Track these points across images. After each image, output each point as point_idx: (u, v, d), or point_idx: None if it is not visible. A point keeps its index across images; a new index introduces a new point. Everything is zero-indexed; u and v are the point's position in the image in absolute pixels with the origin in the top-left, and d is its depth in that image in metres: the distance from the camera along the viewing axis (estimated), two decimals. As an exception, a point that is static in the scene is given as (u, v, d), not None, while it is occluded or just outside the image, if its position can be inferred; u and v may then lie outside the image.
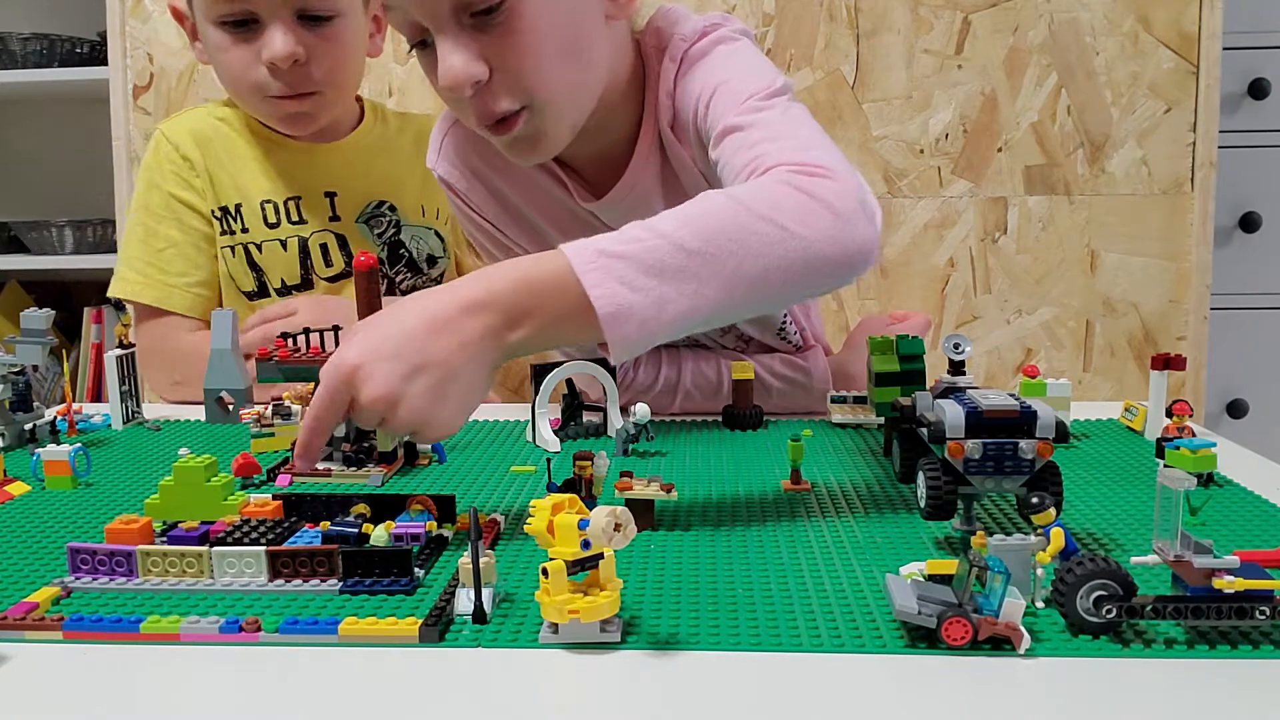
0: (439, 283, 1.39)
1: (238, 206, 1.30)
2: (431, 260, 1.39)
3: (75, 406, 1.11)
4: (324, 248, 1.33)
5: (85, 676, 0.55)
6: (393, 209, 1.36)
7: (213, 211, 1.31)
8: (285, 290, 1.32)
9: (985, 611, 0.56)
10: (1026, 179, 1.74)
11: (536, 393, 1.01)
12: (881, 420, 1.02)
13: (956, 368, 0.78)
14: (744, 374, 1.09)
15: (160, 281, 1.29)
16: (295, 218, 1.32)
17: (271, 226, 1.31)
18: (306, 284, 1.33)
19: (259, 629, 0.59)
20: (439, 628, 0.59)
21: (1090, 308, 1.76)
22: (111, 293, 1.30)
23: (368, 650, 0.58)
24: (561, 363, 1.02)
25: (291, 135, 1.32)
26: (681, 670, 0.54)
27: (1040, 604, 0.62)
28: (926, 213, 1.76)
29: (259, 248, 1.31)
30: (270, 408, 1.02)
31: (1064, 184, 1.74)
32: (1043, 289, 1.77)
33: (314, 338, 0.95)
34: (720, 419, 1.11)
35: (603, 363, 1.04)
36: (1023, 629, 0.56)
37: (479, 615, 0.60)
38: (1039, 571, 0.62)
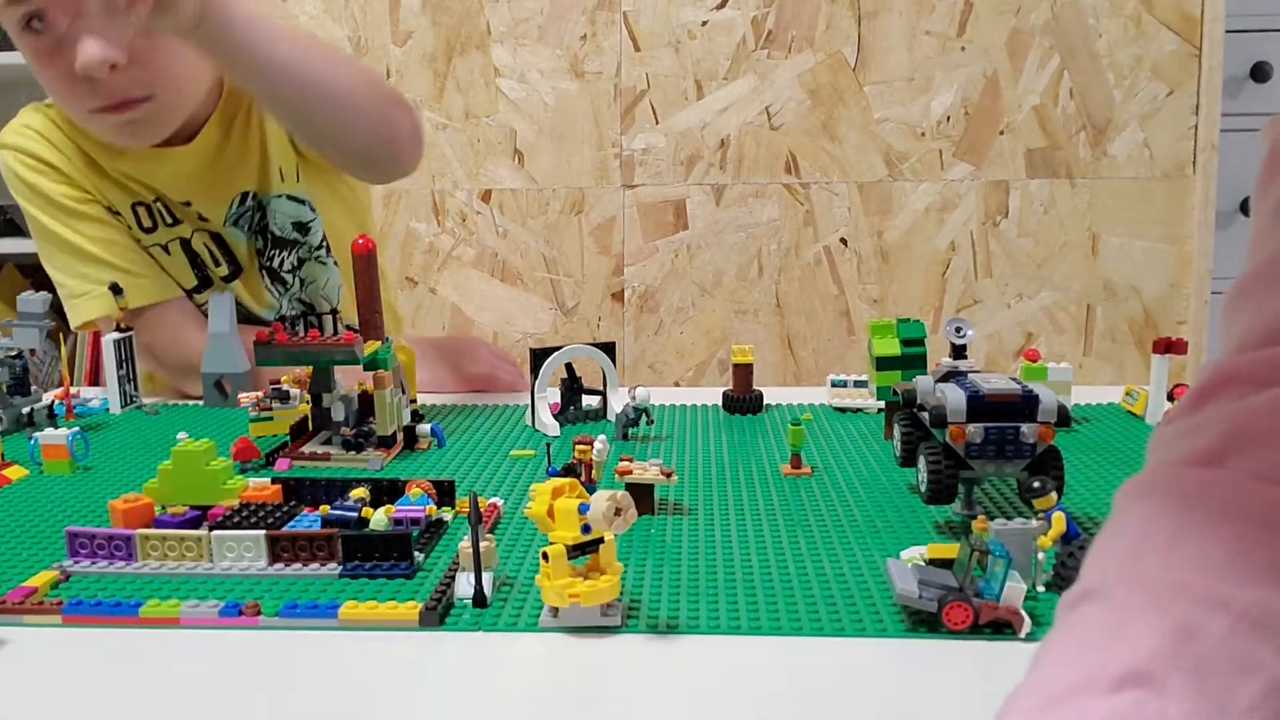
0: (322, 248, 1.27)
1: (112, 208, 1.18)
2: (303, 227, 1.25)
3: (73, 390, 1.10)
4: (208, 248, 1.22)
5: (85, 660, 0.55)
6: (255, 196, 1.22)
7: (105, 207, 1.18)
8: (188, 295, 1.22)
9: (986, 596, 0.56)
10: (1028, 162, 1.73)
11: (535, 377, 1.01)
12: (882, 404, 1.02)
13: (958, 351, 0.78)
14: (743, 358, 1.09)
15: (119, 279, 1.14)
16: (169, 220, 1.20)
17: (148, 231, 1.19)
18: (205, 283, 1.22)
19: (259, 613, 0.59)
20: (439, 611, 0.58)
21: (1091, 292, 1.76)
22: (74, 325, 1.19)
23: (368, 634, 0.57)
24: (561, 347, 1.01)
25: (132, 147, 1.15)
26: (682, 654, 0.54)
27: (1041, 588, 0.62)
28: (927, 196, 1.75)
29: (147, 251, 1.20)
30: (269, 391, 1.02)
31: (1066, 167, 1.73)
32: (1044, 273, 1.76)
33: (312, 320, 0.94)
34: (720, 403, 1.10)
35: (602, 347, 1.04)
36: (1024, 613, 0.56)
37: (479, 599, 0.60)
38: (1040, 555, 0.62)
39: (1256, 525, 0.38)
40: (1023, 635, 0.56)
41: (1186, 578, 0.38)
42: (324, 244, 1.27)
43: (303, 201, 1.26)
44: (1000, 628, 0.56)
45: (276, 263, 1.25)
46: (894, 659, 0.54)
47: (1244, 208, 2.05)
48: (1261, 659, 0.34)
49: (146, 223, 1.19)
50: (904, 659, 0.54)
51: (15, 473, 0.88)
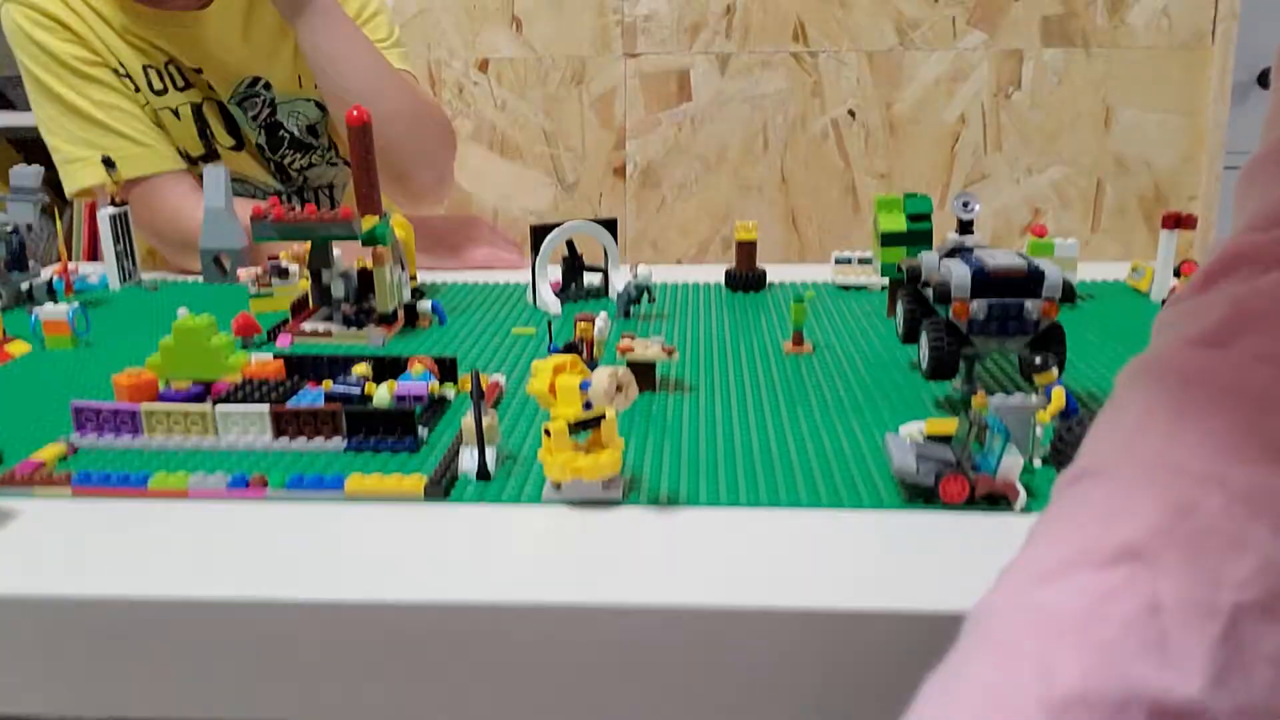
0: (332, 151, 1.28)
1: (123, 69, 1.16)
2: (312, 130, 1.27)
3: (71, 266, 1.09)
4: (219, 118, 1.21)
5: (95, 532, 0.56)
6: (267, 86, 1.23)
7: (113, 70, 1.16)
8: (192, 163, 1.21)
9: (983, 470, 0.57)
10: (1044, 30, 1.68)
11: (536, 254, 1.00)
12: (886, 282, 1.01)
13: (965, 227, 0.76)
14: (746, 235, 1.08)
15: (115, 149, 1.14)
16: (181, 83, 1.19)
17: (159, 93, 1.18)
18: (211, 154, 1.22)
19: (266, 486, 0.60)
20: (444, 485, 0.59)
21: (1102, 166, 1.73)
22: (69, 191, 1.18)
23: (374, 506, 0.58)
24: (561, 223, 1.00)
25: (147, 3, 1.16)
26: (682, 526, 0.55)
27: (1039, 462, 0.62)
28: (939, 66, 1.70)
29: (156, 114, 1.19)
30: (268, 267, 1.01)
31: (1082, 35, 1.67)
32: (1055, 147, 1.73)
33: (310, 196, 0.93)
34: (722, 281, 1.10)
35: (604, 223, 1.02)
36: (1020, 486, 0.57)
37: (483, 473, 0.61)
38: (1038, 430, 0.62)
39: (1257, 406, 0.38)
40: (1018, 508, 0.57)
41: (1185, 457, 0.38)
42: (333, 145, 1.26)
43: (318, 105, 1.26)
44: (996, 501, 0.57)
45: (287, 161, 1.24)
46: (890, 531, 0.55)
47: (1262, 79, 1.99)
48: (1255, 536, 0.35)
49: (158, 85, 1.17)
50: (899, 530, 0.55)
51: (18, 348, 0.88)
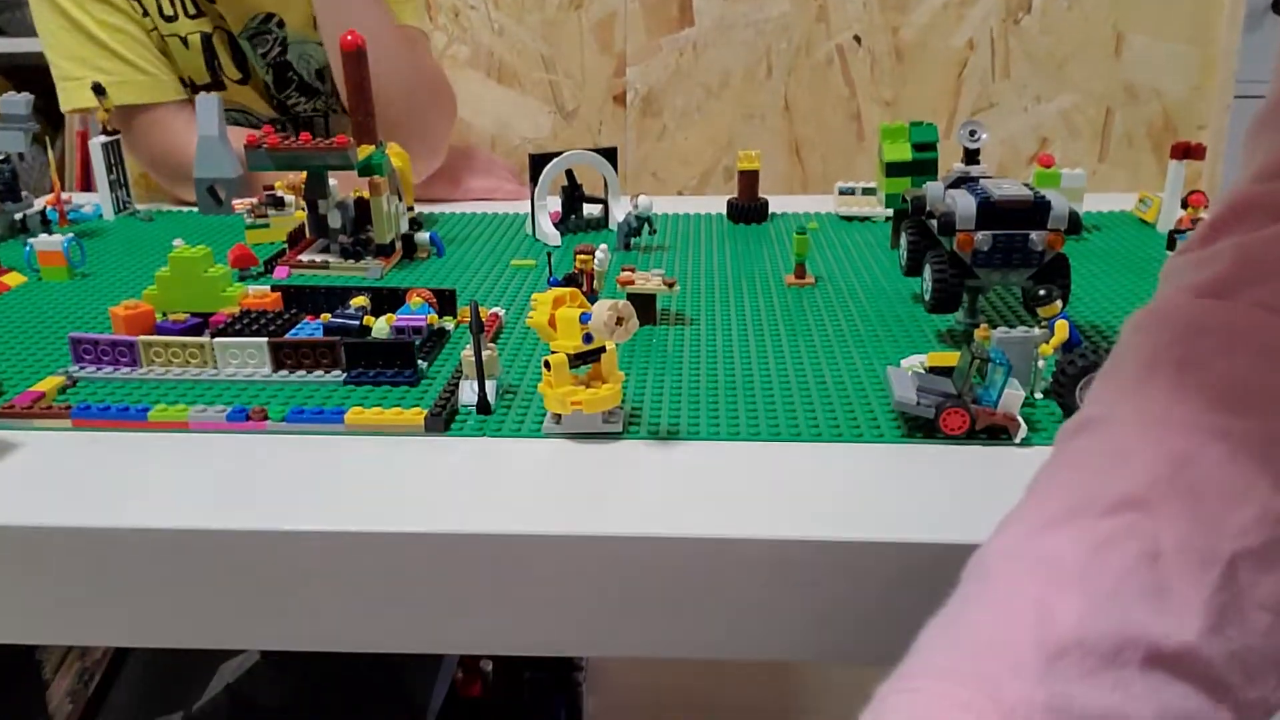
0: (335, 98, 1.24)
1: None
2: (320, 75, 1.24)
3: (64, 196, 1.08)
4: (228, 51, 1.18)
5: (96, 463, 0.56)
6: (280, 25, 1.18)
7: None
8: (196, 90, 1.18)
9: (984, 403, 0.57)
10: (1055, -47, 1.63)
11: (535, 184, 0.98)
12: (890, 212, 1.00)
13: (971, 156, 0.75)
14: (749, 164, 1.06)
15: (115, 73, 1.12)
16: (192, 11, 1.15)
17: (169, 19, 1.15)
18: (217, 84, 1.19)
19: (266, 418, 0.60)
20: (444, 417, 0.59)
21: (1111, 94, 1.70)
22: (65, 107, 1.16)
23: (374, 439, 0.58)
24: (561, 153, 0.98)
25: None
26: (682, 459, 0.55)
27: (1040, 395, 0.62)
28: (946, -10, 1.66)
29: (163, 40, 1.16)
30: (264, 197, 1.00)
31: (1095, -42, 1.63)
32: (1064, 74, 1.69)
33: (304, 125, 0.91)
34: (724, 212, 1.08)
35: (604, 153, 1.01)
36: (1020, 419, 0.57)
37: (483, 406, 0.61)
38: (1040, 363, 0.62)
39: (1263, 356, 0.38)
40: (1018, 440, 0.57)
41: (1188, 408, 0.37)
42: (337, 93, 1.23)
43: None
44: (996, 433, 0.57)
45: (292, 103, 1.23)
46: (890, 462, 0.55)
47: (1275, 5, 1.94)
48: (1256, 486, 0.35)
49: (169, 10, 1.15)
50: (899, 463, 0.55)
51: (13, 279, 0.87)
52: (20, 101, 1.02)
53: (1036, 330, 0.63)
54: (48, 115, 1.15)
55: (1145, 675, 0.31)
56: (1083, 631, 0.32)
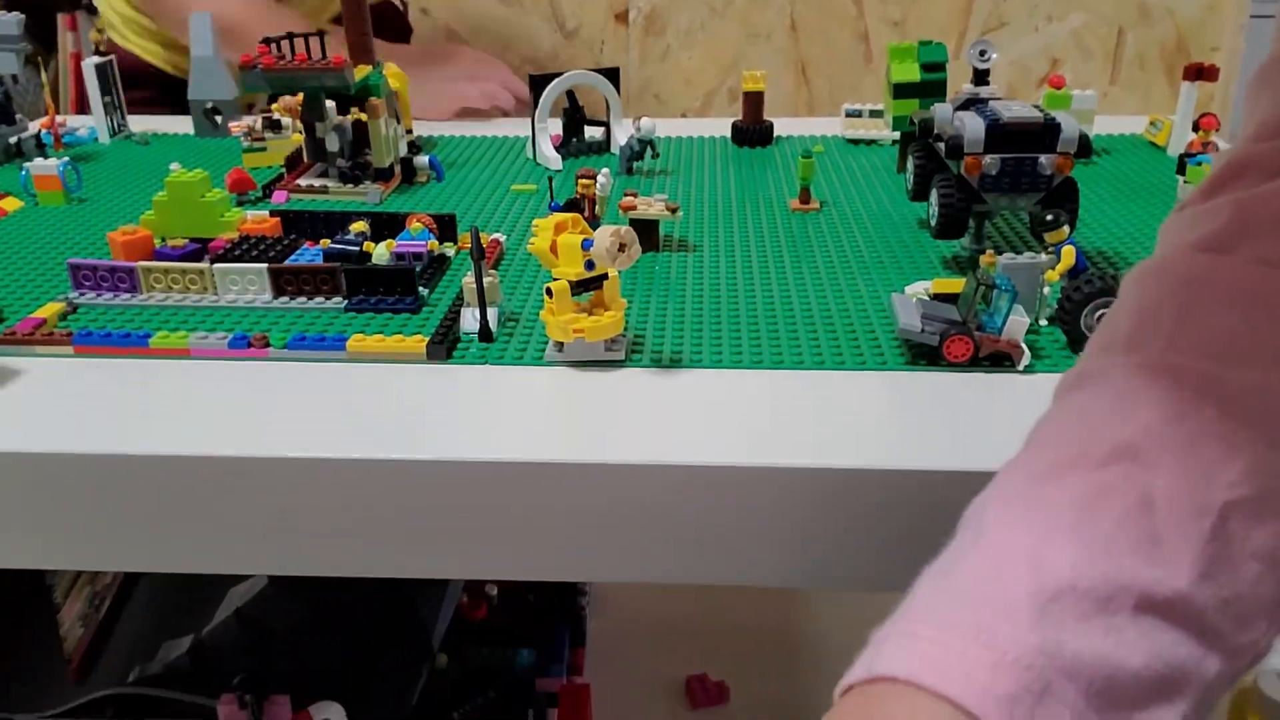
0: None
1: None
2: None
3: (59, 119, 1.06)
4: None
5: (99, 389, 0.56)
6: None
7: None
8: None
9: (988, 329, 0.57)
10: None
11: (536, 106, 0.97)
12: (897, 135, 0.98)
13: (980, 77, 0.74)
14: (754, 85, 1.04)
15: None
16: None
17: None
18: None
19: (267, 345, 0.60)
20: (446, 345, 0.59)
21: (1123, 13, 1.66)
22: None
23: (376, 366, 0.58)
24: (562, 73, 0.96)
25: None
26: (685, 387, 0.55)
27: (1045, 322, 0.62)
28: (959, -96, 1.61)
29: None
30: (260, 120, 0.98)
31: None
32: (1076, -8, 1.65)
33: (299, 44, 0.89)
34: (728, 135, 1.07)
35: (606, 73, 0.99)
36: (1024, 345, 0.57)
37: (485, 333, 0.61)
38: (1045, 290, 0.62)
39: (1259, 308, 0.38)
40: (1021, 367, 0.57)
41: (1185, 360, 0.38)
42: None
43: None
44: (1000, 360, 0.57)
45: None
46: (893, 389, 0.55)
47: None
48: (1249, 438, 0.35)
49: None
50: (903, 389, 0.55)
51: (10, 204, 0.86)
52: (11, 21, 1.00)
53: (1043, 256, 0.62)
54: (40, 37, 1.13)
55: (1136, 621, 0.32)
56: (1075, 578, 0.32)
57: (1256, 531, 0.34)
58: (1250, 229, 0.40)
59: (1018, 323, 0.56)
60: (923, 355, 0.58)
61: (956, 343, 0.56)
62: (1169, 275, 0.42)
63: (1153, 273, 0.43)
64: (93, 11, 1.05)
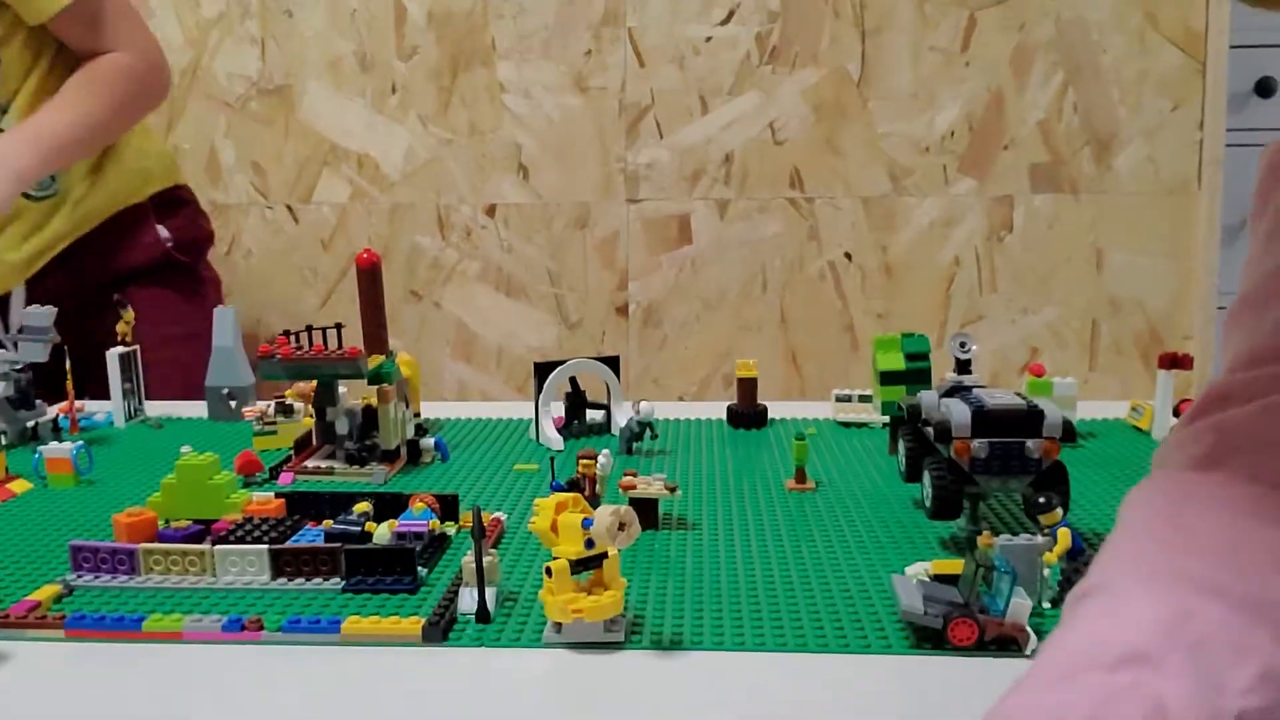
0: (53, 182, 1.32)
1: None
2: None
3: (77, 404, 1.10)
4: None
5: (88, 675, 0.55)
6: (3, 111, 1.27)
7: None
8: None
9: (991, 612, 0.56)
10: (1033, 177, 1.73)
11: (539, 390, 1.01)
12: (886, 419, 1.01)
13: (963, 366, 0.77)
14: (747, 372, 1.09)
15: None
16: None
17: None
18: None
19: (261, 628, 0.59)
20: (442, 627, 0.58)
21: (1096, 307, 1.76)
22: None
23: (371, 649, 0.57)
24: (564, 361, 1.01)
25: None
26: (686, 670, 0.54)
27: (1048, 604, 0.61)
28: (932, 211, 1.75)
29: None
30: (273, 405, 1.02)
31: (1070, 182, 1.73)
32: (1048, 288, 1.76)
33: (316, 336, 0.94)
34: (724, 417, 1.10)
35: (606, 361, 1.04)
36: (1029, 629, 0.56)
37: (482, 614, 0.60)
38: (1045, 572, 0.62)
39: (1250, 518, 0.40)
40: (1028, 652, 0.56)
41: (1185, 565, 0.39)
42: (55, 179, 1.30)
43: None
44: (1005, 644, 0.56)
45: None
46: (898, 675, 0.54)
47: (1260, 89, 2.04)
48: (1258, 642, 0.35)
49: None
50: (908, 675, 0.54)
51: (20, 486, 0.88)
52: (44, 314, 1.06)
53: (1040, 538, 0.63)
54: (64, 325, 1.19)
55: None
56: None
57: None
58: (1234, 449, 0.44)
59: (1021, 605, 0.56)
60: (928, 638, 0.57)
61: (961, 626, 0.56)
62: (1162, 493, 0.44)
63: (1146, 493, 0.45)
64: (122, 305, 1.12)
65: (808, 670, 0.54)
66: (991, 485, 0.69)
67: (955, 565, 0.62)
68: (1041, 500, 0.63)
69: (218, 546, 0.67)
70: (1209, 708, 0.33)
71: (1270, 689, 0.34)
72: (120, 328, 1.13)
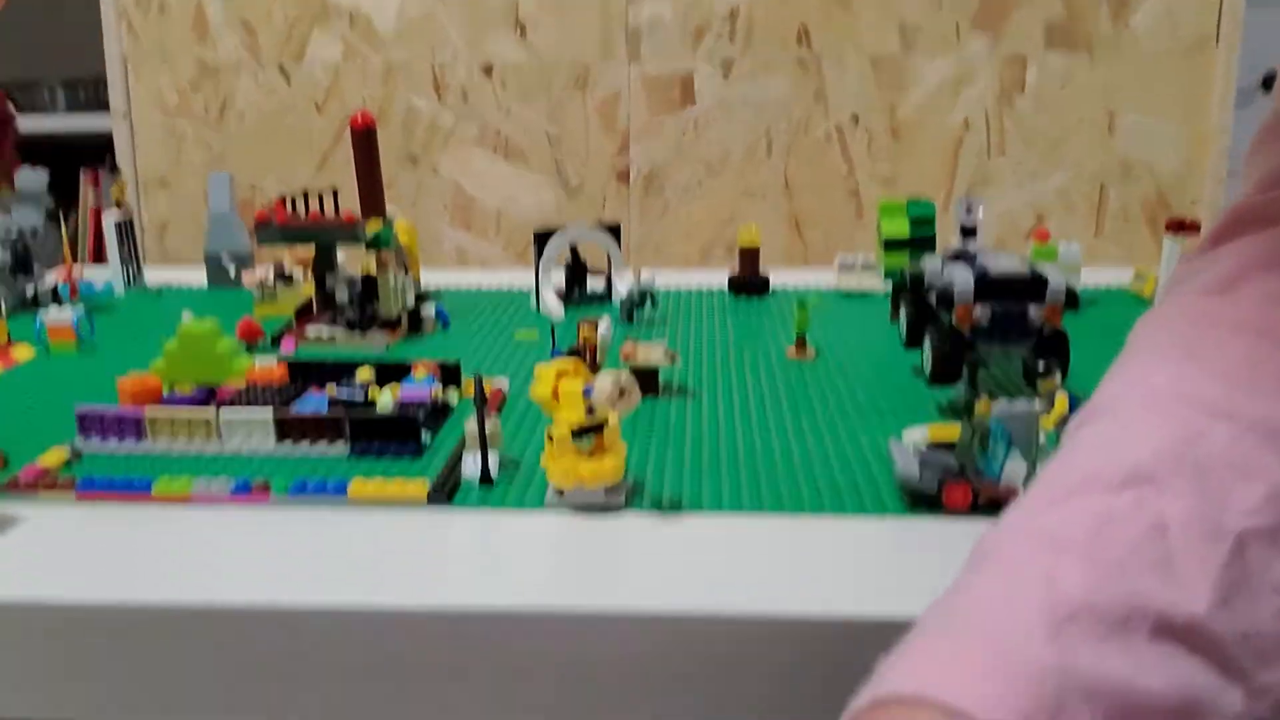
0: None
1: None
2: None
3: (76, 270, 1.10)
4: None
5: (99, 538, 0.56)
6: None
7: None
8: None
9: (987, 476, 0.57)
10: (1047, 35, 1.67)
11: (540, 259, 1.00)
12: (889, 286, 1.01)
13: (968, 231, 0.76)
14: (750, 239, 1.08)
15: None
16: None
17: None
18: None
19: (269, 491, 0.60)
20: (447, 490, 0.59)
21: (1106, 171, 1.73)
22: None
23: (377, 512, 0.58)
24: (564, 228, 1.00)
25: None
26: (684, 532, 0.55)
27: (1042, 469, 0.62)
28: (942, 70, 1.70)
29: None
30: (272, 272, 1.01)
31: (1085, 40, 1.67)
32: (1058, 152, 1.72)
33: (313, 201, 0.93)
34: (726, 286, 1.10)
35: (607, 227, 1.02)
36: (1023, 491, 0.57)
37: (485, 478, 0.61)
38: (1042, 437, 0.62)
39: (1265, 342, 0.38)
40: (1021, 515, 0.57)
41: (1194, 389, 0.37)
42: None
43: None
44: (1000, 507, 0.57)
45: None
46: (894, 537, 0.55)
47: (1266, 83, 1.98)
48: (1265, 464, 0.34)
49: None
50: (903, 537, 0.55)
51: (23, 353, 0.88)
52: (37, 178, 1.04)
53: (1037, 403, 0.63)
54: (63, 190, 1.17)
55: (1154, 645, 0.30)
56: (1090, 598, 0.31)
57: (1277, 562, 0.33)
58: (1253, 271, 0.41)
59: (1016, 469, 0.57)
60: (922, 502, 0.58)
61: (955, 490, 0.57)
62: (1175, 317, 0.42)
63: (1158, 318, 0.43)
64: (115, 169, 1.10)
65: (804, 532, 0.55)
66: (992, 351, 0.69)
67: (953, 431, 0.62)
68: (1041, 367, 0.63)
69: (223, 412, 0.67)
70: (1211, 526, 0.33)
71: (1275, 509, 0.33)
72: (115, 193, 1.11)
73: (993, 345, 0.68)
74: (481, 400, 0.61)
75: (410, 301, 0.95)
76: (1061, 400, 0.62)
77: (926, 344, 0.71)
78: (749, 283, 1.07)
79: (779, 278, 1.12)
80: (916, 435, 0.65)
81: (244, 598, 0.49)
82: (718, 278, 1.13)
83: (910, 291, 0.77)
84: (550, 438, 0.57)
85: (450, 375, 0.76)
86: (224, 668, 0.50)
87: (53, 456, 0.65)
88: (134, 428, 0.68)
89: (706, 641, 0.48)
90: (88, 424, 0.68)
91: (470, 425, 0.61)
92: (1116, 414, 0.39)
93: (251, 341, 0.90)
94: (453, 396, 0.75)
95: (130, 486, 0.60)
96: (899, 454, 0.59)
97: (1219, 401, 0.37)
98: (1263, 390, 0.37)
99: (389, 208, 0.98)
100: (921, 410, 0.73)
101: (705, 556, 0.53)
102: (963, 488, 0.56)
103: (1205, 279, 0.43)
